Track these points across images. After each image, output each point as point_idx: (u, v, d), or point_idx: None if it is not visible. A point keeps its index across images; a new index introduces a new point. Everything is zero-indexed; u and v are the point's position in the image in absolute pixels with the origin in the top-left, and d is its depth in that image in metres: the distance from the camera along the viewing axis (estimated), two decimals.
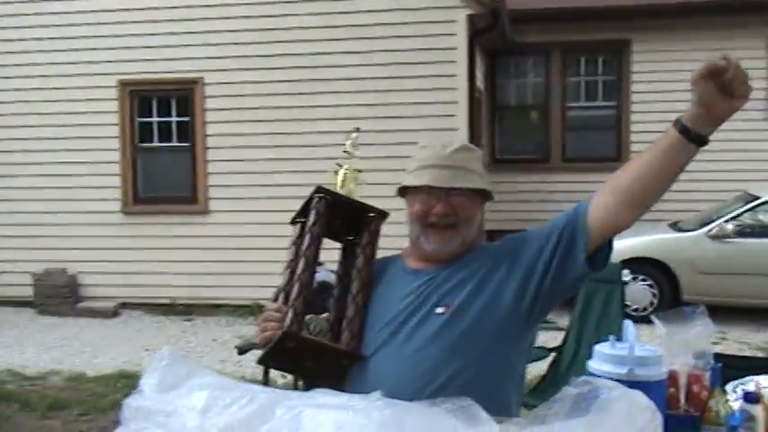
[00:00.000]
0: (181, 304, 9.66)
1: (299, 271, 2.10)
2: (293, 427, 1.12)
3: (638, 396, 1.12)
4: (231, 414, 1.18)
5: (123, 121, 9.83)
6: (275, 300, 2.18)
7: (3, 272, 9.93)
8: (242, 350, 4.57)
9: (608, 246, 2.03)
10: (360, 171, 2.34)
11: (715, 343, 7.06)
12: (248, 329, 8.44)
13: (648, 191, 1.89)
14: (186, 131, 9.85)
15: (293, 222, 2.26)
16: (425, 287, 2.14)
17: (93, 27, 9.73)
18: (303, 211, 2.22)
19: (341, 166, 2.34)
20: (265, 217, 9.41)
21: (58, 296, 9.61)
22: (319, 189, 2.20)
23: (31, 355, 7.76)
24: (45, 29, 9.85)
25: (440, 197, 2.13)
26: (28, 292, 9.74)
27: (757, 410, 2.56)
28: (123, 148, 9.87)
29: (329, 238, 2.26)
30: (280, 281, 2.19)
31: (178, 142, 9.92)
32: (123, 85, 9.78)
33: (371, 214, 2.25)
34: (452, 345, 1.98)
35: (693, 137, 1.82)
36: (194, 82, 9.64)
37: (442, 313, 2.06)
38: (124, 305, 9.78)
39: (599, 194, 1.97)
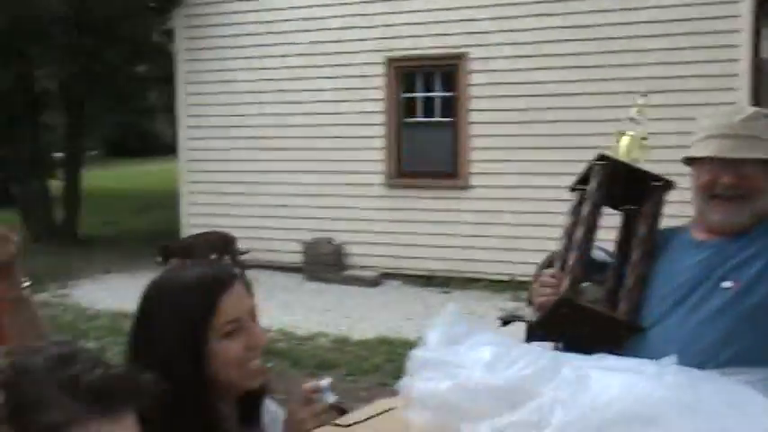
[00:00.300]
0: (439, 277, 9.86)
1: (578, 237, 2.10)
2: (579, 387, 1.13)
3: None
4: (517, 370, 1.20)
5: (389, 96, 10.18)
6: (549, 266, 2.19)
7: (272, 239, 10.62)
8: (505, 321, 4.63)
9: None
10: (645, 138, 2.24)
11: None
12: (508, 305, 8.50)
13: None
14: (449, 107, 10.02)
15: (572, 189, 2.25)
16: (711, 259, 2.06)
17: (360, 6, 10.15)
18: (583, 179, 2.20)
19: (623, 133, 2.26)
20: (523, 192, 9.47)
21: (324, 264, 10.18)
22: (602, 156, 2.17)
23: (300, 317, 8.30)
24: (313, 8, 10.38)
25: (727, 168, 2.05)
26: (298, 259, 10.36)
27: None
28: (389, 123, 10.21)
29: (609, 205, 2.23)
30: (554, 247, 2.22)
31: (441, 117, 10.12)
32: (390, 61, 10.11)
33: (656, 183, 2.18)
34: (738, 323, 1.90)
35: None
36: (459, 57, 9.78)
37: (729, 288, 1.98)
38: (385, 275, 10.14)
39: None
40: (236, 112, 10.96)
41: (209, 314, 1.45)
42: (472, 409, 1.19)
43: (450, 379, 1.23)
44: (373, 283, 9.99)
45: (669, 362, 1.13)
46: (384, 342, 7.26)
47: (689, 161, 2.17)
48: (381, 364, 6.56)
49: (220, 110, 11.04)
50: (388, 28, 10.03)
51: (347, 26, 10.20)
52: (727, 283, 1.98)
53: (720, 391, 1.06)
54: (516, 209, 9.52)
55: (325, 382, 1.57)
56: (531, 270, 2.74)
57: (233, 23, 10.93)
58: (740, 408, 1.03)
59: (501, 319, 4.79)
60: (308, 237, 10.40)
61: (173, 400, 1.09)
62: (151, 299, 1.50)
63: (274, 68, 10.68)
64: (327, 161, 10.45)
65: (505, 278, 9.31)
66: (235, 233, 9.87)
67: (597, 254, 2.39)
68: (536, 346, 1.39)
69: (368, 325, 8.04)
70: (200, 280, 1.48)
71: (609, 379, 1.13)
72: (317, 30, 10.37)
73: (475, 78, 9.77)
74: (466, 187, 9.95)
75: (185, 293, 1.47)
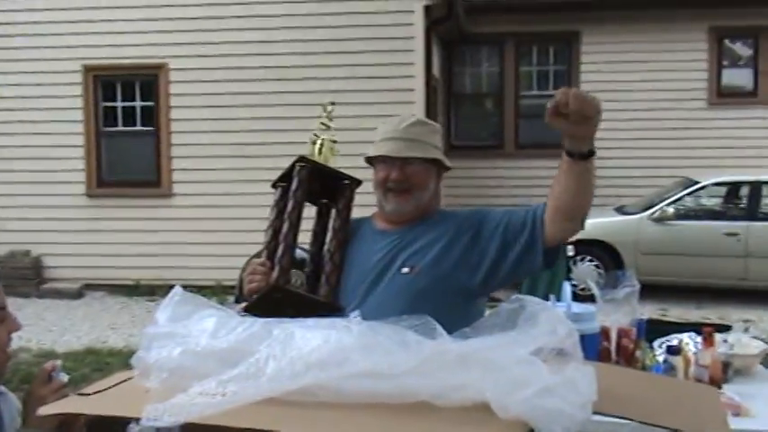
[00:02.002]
0: (144, 285, 9.77)
1: (284, 231, 2.28)
2: (287, 342, 1.37)
3: (558, 311, 1.40)
4: (236, 334, 1.42)
5: (87, 105, 9.93)
6: (259, 256, 2.36)
7: None
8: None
9: (558, 248, 2.25)
10: (335, 142, 2.49)
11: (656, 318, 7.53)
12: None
13: (574, 205, 2.13)
14: (150, 116, 9.96)
15: (274, 186, 2.42)
16: (392, 247, 2.34)
17: (58, 12, 9.79)
18: (284, 177, 2.38)
19: (318, 136, 2.48)
20: (225, 200, 9.62)
21: (22, 277, 9.67)
22: (302, 158, 2.37)
23: None
24: (9, 13, 9.88)
25: (395, 166, 2.32)
26: None
27: (678, 361, 2.91)
28: (87, 132, 9.96)
29: (307, 201, 2.42)
30: (259, 247, 2.39)
31: (142, 126, 10.04)
32: (87, 70, 9.87)
33: (347, 181, 2.42)
34: (414, 302, 2.14)
35: (576, 156, 2.05)
36: (159, 67, 9.77)
37: (407, 273, 2.26)
38: (88, 286, 9.88)
39: (547, 209, 2.18)
40: None
41: None
42: (201, 370, 1.39)
43: (181, 346, 1.43)
44: (76, 294, 9.69)
45: (356, 317, 1.43)
46: (91, 352, 7.11)
47: (369, 161, 2.44)
48: (89, 374, 6.43)
49: None
50: (86, 36, 9.78)
51: (45, 33, 9.81)
52: (405, 269, 2.27)
53: (393, 334, 1.35)
54: (218, 215, 9.66)
55: (58, 362, 1.74)
56: (236, 274, 2.76)
57: None
58: (406, 345, 1.34)
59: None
60: (4, 250, 9.86)
61: None
62: None
63: None
64: (25, 171, 9.96)
65: (212, 283, 9.38)
66: None
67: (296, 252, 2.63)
68: None
69: (72, 337, 7.82)
70: None
71: (310, 334, 1.38)
72: (16, 35, 9.88)
73: (174, 88, 9.80)
74: (169, 195, 9.96)
75: None
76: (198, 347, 1.43)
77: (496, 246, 2.23)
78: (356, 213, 2.47)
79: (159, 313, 1.59)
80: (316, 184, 2.39)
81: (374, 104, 9.13)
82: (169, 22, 9.65)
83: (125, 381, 1.51)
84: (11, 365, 5.48)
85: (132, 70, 9.88)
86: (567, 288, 2.87)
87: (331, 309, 2.23)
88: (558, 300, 2.92)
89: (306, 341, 1.39)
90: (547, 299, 2.95)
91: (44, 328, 8.22)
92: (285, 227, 2.29)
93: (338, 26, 9.44)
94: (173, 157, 9.90)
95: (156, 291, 9.62)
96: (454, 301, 2.20)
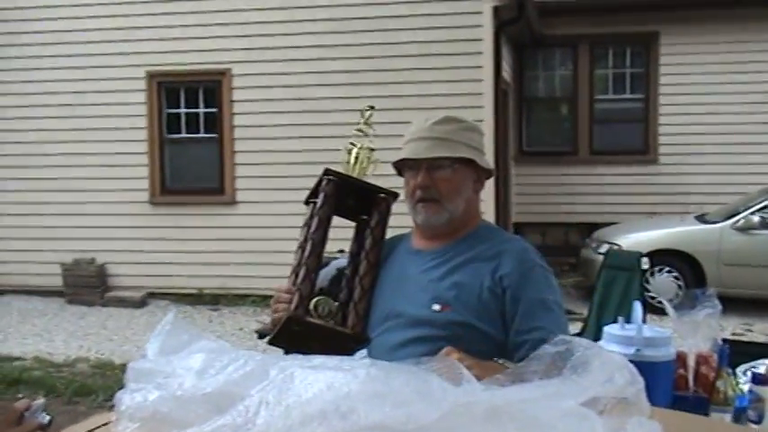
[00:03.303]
0: (208, 294, 9.72)
1: (305, 254, 2.16)
2: (285, 386, 1.15)
3: (614, 355, 1.15)
4: (227, 375, 1.21)
5: (151, 112, 9.93)
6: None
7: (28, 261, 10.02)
8: (261, 334, 4.65)
9: None
10: (373, 150, 2.35)
11: (740, 334, 7.12)
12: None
13: None
14: (214, 123, 9.94)
15: (306, 203, 2.30)
16: (425, 273, 2.18)
17: (123, 19, 9.82)
18: (315, 192, 2.26)
19: (354, 145, 2.36)
20: (290, 207, 8.98)
21: (86, 285, 9.72)
22: (327, 171, 2.24)
23: (59, 342, 7.86)
24: (77, 20, 9.92)
25: (420, 170, 2.17)
26: (57, 281, 9.84)
27: (766, 392, 2.56)
28: (151, 139, 9.97)
29: (344, 217, 2.31)
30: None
31: (205, 133, 10.03)
32: (151, 76, 9.88)
33: (382, 195, 2.28)
34: (445, 343, 1.99)
35: None
36: (222, 73, 9.73)
37: (437, 312, 2.10)
38: (152, 295, 9.85)
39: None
40: None
41: None
42: (182, 418, 1.18)
43: (159, 389, 1.22)
44: (139, 303, 9.65)
45: (362, 355, 1.18)
46: None
47: (398, 170, 2.27)
48: None
49: None
50: (149, 42, 9.78)
51: (109, 39, 9.84)
52: (435, 306, 2.10)
53: (410, 380, 1.11)
54: (283, 223, 9.29)
55: (38, 402, 1.55)
56: None
57: None
58: (426, 394, 1.08)
59: (257, 332, 4.79)
60: (70, 258, 9.90)
61: None
62: None
63: (32, 81, 10.06)
64: (88, 179, 9.99)
65: (273, 293, 9.25)
66: None
67: (341, 263, 2.49)
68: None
69: (133, 347, 7.73)
70: None
71: (312, 377, 1.16)
72: (79, 42, 9.92)
73: (237, 94, 9.75)
74: (232, 203, 9.88)
75: None
76: (179, 391, 1.21)
77: (508, 310, 2.09)
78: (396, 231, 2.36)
79: (150, 343, 1.41)
80: (348, 198, 2.28)
81: (440, 110, 8.72)
82: (232, 27, 9.59)
83: (101, 426, 1.31)
84: (67, 376, 5.38)
85: (195, 76, 9.84)
86: (637, 308, 2.58)
87: (358, 341, 2.10)
88: (628, 320, 2.63)
89: (306, 386, 1.15)
90: (615, 319, 2.66)
91: (105, 337, 8.19)
92: (307, 249, 2.18)
93: (400, 29, 9.25)
94: (236, 164, 9.82)
95: (219, 300, 9.62)
96: (487, 350, 2.03)
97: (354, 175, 2.31)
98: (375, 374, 1.12)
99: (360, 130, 2.39)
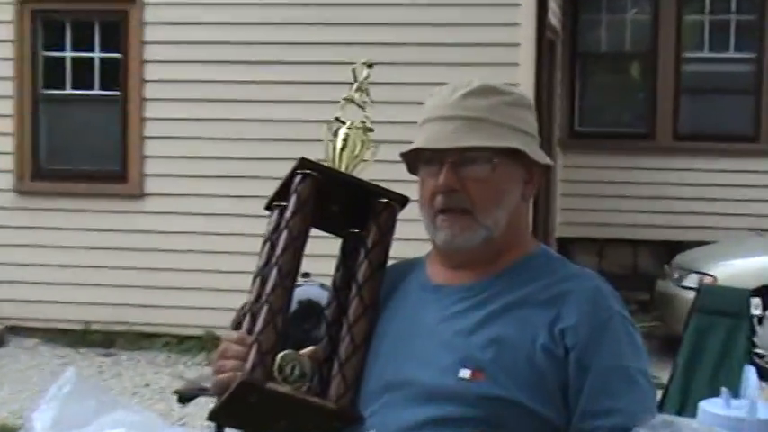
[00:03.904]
0: (97, 332, 9.72)
1: (269, 286, 2.16)
2: None
3: None
4: None
5: (21, 55, 9.90)
6: (238, 325, 2.23)
7: None
8: (184, 397, 4.62)
9: None
10: (370, 130, 2.35)
11: None
12: (195, 370, 8.56)
13: None
14: (114, 75, 9.92)
15: (269, 207, 2.32)
16: (449, 321, 2.18)
17: None
18: (283, 193, 2.27)
19: (342, 122, 2.36)
20: (228, 205, 9.50)
21: None
22: (303, 162, 2.24)
23: None
24: None
25: (444, 164, 2.17)
26: None
27: None
28: (20, 96, 9.93)
29: (325, 230, 2.35)
30: (246, 297, 2.28)
31: (102, 90, 10.03)
32: (23, 2, 9.82)
33: (382, 200, 2.28)
34: (477, 425, 2.04)
35: None
36: (129, 1, 9.74)
37: (467, 380, 2.09)
38: (13, 330, 9.83)
39: None
40: None
41: None
42: None
43: None
44: None
45: None
46: None
47: (408, 163, 2.28)
48: None
49: None
50: None
51: None
52: (464, 372, 2.09)
53: None
54: (210, 229, 9.57)
55: None
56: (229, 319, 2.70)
57: None
58: None
59: (179, 393, 4.77)
60: None
61: None
62: None
63: None
64: None
65: (198, 332, 9.37)
66: None
67: (318, 294, 2.60)
68: None
69: None
70: None
71: None
72: None
73: (151, 33, 9.79)
74: (138, 196, 9.90)
75: None
76: None
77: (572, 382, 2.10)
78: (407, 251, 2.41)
79: (39, 412, 1.41)
80: (333, 203, 2.30)
81: (458, 66, 8.77)
82: None
83: None
84: None
85: (89, 4, 9.94)
86: (751, 375, 2.57)
87: (344, 419, 2.12)
88: (736, 394, 2.61)
89: None
90: (714, 390, 2.64)
91: None
92: (271, 279, 2.16)
93: None
94: (146, 138, 9.84)
95: (114, 340, 9.65)
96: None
97: (342, 168, 2.31)
98: None
99: (350, 99, 2.36)
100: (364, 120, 2.36)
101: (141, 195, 9.91)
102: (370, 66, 2.41)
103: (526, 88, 8.62)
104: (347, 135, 2.34)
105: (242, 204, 9.16)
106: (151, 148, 9.86)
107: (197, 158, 9.65)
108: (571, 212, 12.11)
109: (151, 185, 9.89)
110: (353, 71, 2.41)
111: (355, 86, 2.40)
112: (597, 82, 13.07)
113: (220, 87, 9.59)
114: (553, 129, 11.48)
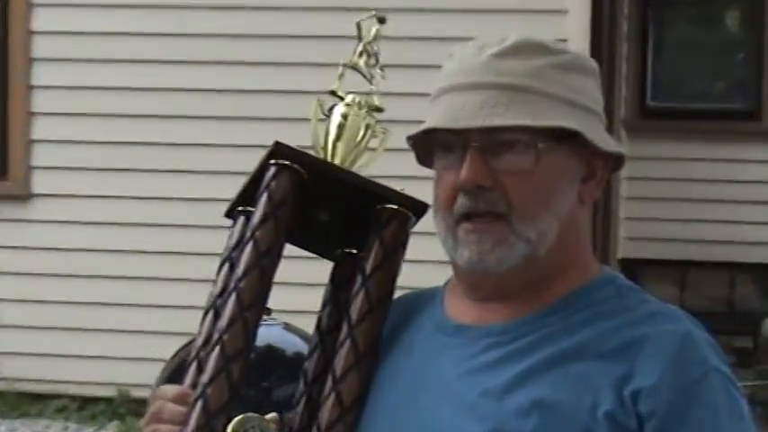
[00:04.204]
0: None
1: (224, 321, 2.11)
2: None
3: None
4: None
5: None
6: (173, 376, 2.54)
7: None
8: None
9: None
10: (379, 110, 2.29)
11: None
12: None
13: None
14: None
15: (230, 215, 2.33)
16: (477, 378, 2.11)
17: None
18: (250, 193, 2.25)
19: (341, 96, 2.29)
20: (149, 210, 9.37)
21: None
22: (279, 148, 2.18)
23: None
24: None
25: (466, 152, 2.08)
26: None
27: None
28: None
29: (306, 248, 2.38)
30: (189, 338, 2.53)
31: None
32: None
33: (389, 206, 2.22)
34: None
35: None
36: None
37: None
38: None
39: None
40: None
41: None
42: None
43: None
44: None
45: None
46: None
47: (417, 150, 2.23)
48: None
49: None
50: None
51: None
52: None
53: None
54: (127, 244, 9.29)
55: None
56: (154, 375, 3.18)
57: None
58: None
59: None
60: None
61: None
62: None
63: None
64: None
65: (108, 392, 9.19)
66: None
67: (283, 338, 2.90)
68: None
69: None
70: None
71: None
72: None
73: (39, 15, 9.65)
74: (24, 197, 9.60)
75: None
76: None
77: None
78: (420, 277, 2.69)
79: None
80: (321, 208, 2.27)
81: (479, 16, 8.83)
82: None
83: None
84: None
85: None
86: None
87: None
88: None
89: None
90: None
91: None
92: (227, 312, 2.09)
93: None
94: (33, 128, 9.71)
95: None
96: None
97: (337, 161, 2.27)
98: None
99: (352, 65, 2.30)
100: (371, 95, 2.33)
101: (27, 197, 9.72)
102: (381, 20, 2.34)
103: (579, 47, 8.38)
104: (346, 115, 2.29)
105: (175, 209, 9.35)
106: (40, 135, 9.78)
107: (98, 145, 9.58)
108: (640, 224, 11.97)
109: (39, 183, 9.75)
110: (358, 26, 2.35)
111: (360, 47, 2.34)
112: (679, 39, 12.92)
113: (133, 70, 9.56)
114: (615, 105, 11.20)
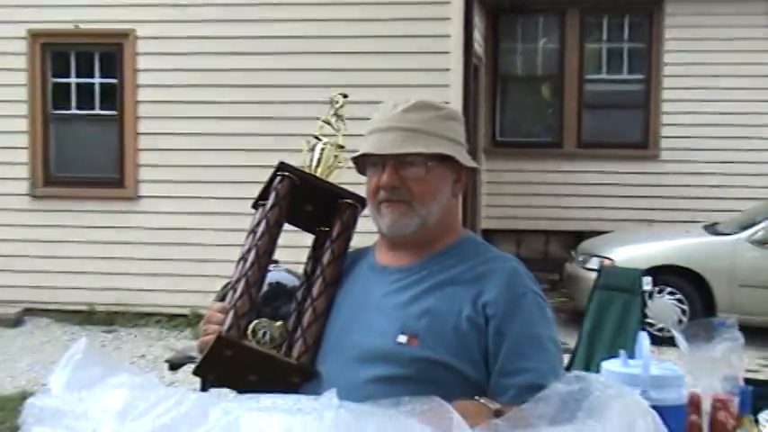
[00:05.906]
0: (101, 312, 9.65)
1: (247, 264, 2.19)
2: None
3: (637, 398, 1.17)
4: (155, 417, 1.20)
5: (33, 81, 9.79)
6: (223, 298, 2.25)
7: None
8: (174, 365, 4.58)
9: None
10: (342, 147, 2.39)
11: (754, 371, 7.06)
12: (183, 343, 8.50)
13: None
14: (112, 97, 9.84)
15: (255, 206, 2.34)
16: (390, 295, 2.20)
17: None
18: (266, 193, 2.31)
19: (319, 139, 2.39)
20: (207, 205, 9.46)
21: None
22: (282, 165, 2.28)
23: None
24: None
25: (387, 166, 2.19)
26: None
27: None
28: (33, 115, 9.82)
29: (299, 227, 2.38)
30: (229, 280, 2.29)
31: (102, 110, 9.94)
32: (34, 36, 9.71)
33: (345, 201, 2.32)
34: (413, 386, 1.98)
35: None
36: (124, 35, 9.65)
37: (405, 344, 2.10)
38: (30, 311, 9.73)
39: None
40: None
41: None
42: None
43: None
44: (13, 322, 9.52)
45: (329, 397, 1.18)
46: (26, 398, 6.90)
47: (358, 167, 2.30)
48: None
49: None
50: None
51: None
52: (402, 337, 2.09)
53: (386, 425, 1.12)
54: (195, 225, 9.50)
55: None
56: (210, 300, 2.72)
57: None
58: None
59: (169, 361, 4.73)
60: None
61: None
62: None
63: None
64: None
65: (185, 311, 9.31)
66: None
67: (286, 277, 2.53)
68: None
69: (6, 376, 7.66)
70: None
71: (264, 421, 1.17)
72: None
73: (143, 62, 9.66)
74: (134, 198, 9.82)
75: None
76: None
77: (491, 347, 2.10)
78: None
79: (53, 376, 1.40)
80: (307, 202, 2.34)
81: (396, 89, 8.51)
82: None
83: None
84: None
85: (90, 38, 9.76)
86: (643, 340, 2.60)
87: (302, 374, 2.13)
88: (631, 355, 2.66)
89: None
90: (614, 353, 2.70)
91: None
92: (249, 259, 2.20)
93: None
94: (140, 150, 9.74)
95: (115, 319, 9.57)
96: (464, 395, 1.99)
97: (318, 174, 2.36)
98: (347, 419, 1.12)
99: (325, 122, 2.41)
100: (337, 140, 2.41)
101: (136, 197, 9.83)
102: (345, 96, 2.45)
103: (456, 104, 8.81)
104: (323, 149, 2.38)
105: (223, 204, 9.12)
106: (144, 157, 9.77)
107: (183, 167, 9.58)
108: (493, 208, 12.11)
109: (144, 189, 9.82)
110: (331, 99, 2.45)
111: (332, 111, 2.44)
112: (514, 100, 13.03)
113: (212, 108, 9.48)
114: (478, 138, 11.48)
